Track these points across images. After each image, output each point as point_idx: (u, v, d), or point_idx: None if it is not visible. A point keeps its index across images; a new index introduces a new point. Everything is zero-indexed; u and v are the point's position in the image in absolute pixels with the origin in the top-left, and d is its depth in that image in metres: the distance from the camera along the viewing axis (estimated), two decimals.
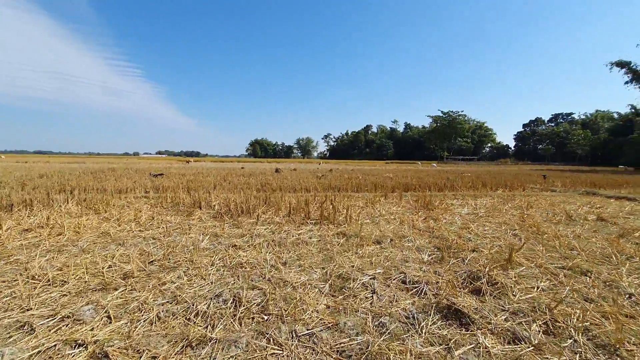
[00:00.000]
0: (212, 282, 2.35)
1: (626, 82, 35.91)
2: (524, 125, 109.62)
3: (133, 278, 2.42)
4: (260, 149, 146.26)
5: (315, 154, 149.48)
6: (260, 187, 8.15)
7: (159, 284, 2.31)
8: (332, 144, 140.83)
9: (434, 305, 2.07)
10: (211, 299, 2.09)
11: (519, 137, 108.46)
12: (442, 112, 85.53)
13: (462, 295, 2.19)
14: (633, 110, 70.51)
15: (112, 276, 2.43)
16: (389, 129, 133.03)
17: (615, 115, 79.83)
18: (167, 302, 2.06)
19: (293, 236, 3.78)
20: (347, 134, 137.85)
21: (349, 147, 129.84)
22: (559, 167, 37.51)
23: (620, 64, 34.11)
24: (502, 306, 2.07)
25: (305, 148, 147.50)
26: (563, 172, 20.75)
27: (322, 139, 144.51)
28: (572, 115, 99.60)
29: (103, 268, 2.57)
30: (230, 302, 2.04)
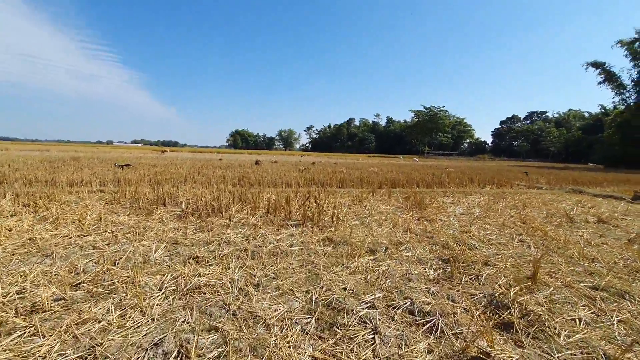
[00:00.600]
0: (153, 320, 1.70)
1: (599, 83, 37.16)
2: (501, 122, 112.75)
3: (43, 313, 1.74)
4: (241, 140, 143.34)
5: (297, 146, 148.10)
6: (237, 181, 7.44)
7: (76, 323, 1.64)
8: (315, 136, 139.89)
9: (459, 353, 1.53)
10: (146, 350, 1.45)
11: (496, 133, 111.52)
12: (424, 106, 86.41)
13: (490, 332, 1.66)
14: (603, 110, 73.89)
15: (13, 310, 1.74)
16: (371, 122, 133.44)
17: (586, 115, 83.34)
18: (78, 357, 1.40)
19: (270, 243, 3.16)
20: (329, 126, 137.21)
21: (331, 140, 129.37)
22: (535, 164, 38.56)
23: (595, 65, 35.19)
24: (549, 354, 1.55)
25: (287, 140, 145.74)
26: (541, 169, 21.07)
27: (305, 131, 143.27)
28: (546, 114, 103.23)
29: (5, 296, 1.87)
30: (173, 356, 1.41)
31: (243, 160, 18.31)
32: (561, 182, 11.06)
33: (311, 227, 3.85)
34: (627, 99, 34.81)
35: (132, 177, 7.15)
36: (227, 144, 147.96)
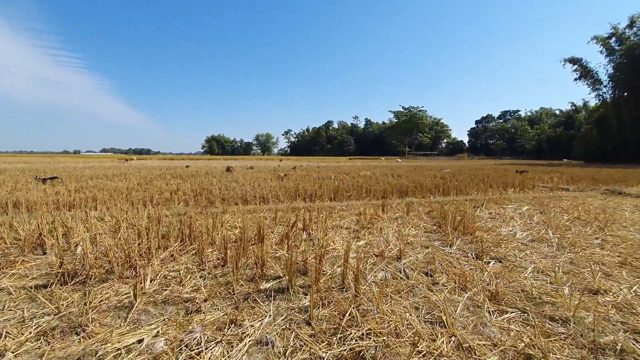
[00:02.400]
0: None
1: (576, 79, 37.49)
2: (477, 122, 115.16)
3: None
4: (217, 146, 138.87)
5: (275, 150, 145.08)
6: (194, 196, 5.40)
7: None
8: (293, 140, 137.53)
9: None
10: None
11: (472, 133, 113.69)
12: (403, 107, 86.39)
13: None
14: (573, 107, 76.45)
15: None
16: (350, 125, 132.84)
17: (557, 112, 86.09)
18: None
19: None
20: (308, 130, 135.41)
21: (310, 144, 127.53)
22: (516, 162, 38.30)
23: (572, 61, 35.40)
24: None
25: (265, 145, 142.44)
26: (532, 167, 20.09)
27: (283, 135, 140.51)
28: (519, 112, 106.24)
29: None
30: None
31: (214, 167, 16.08)
32: (578, 181, 9.68)
33: (303, 294, 1.94)
34: (603, 95, 35.20)
35: (34, 197, 4.94)
36: (203, 151, 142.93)
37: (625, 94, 32.55)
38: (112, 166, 17.41)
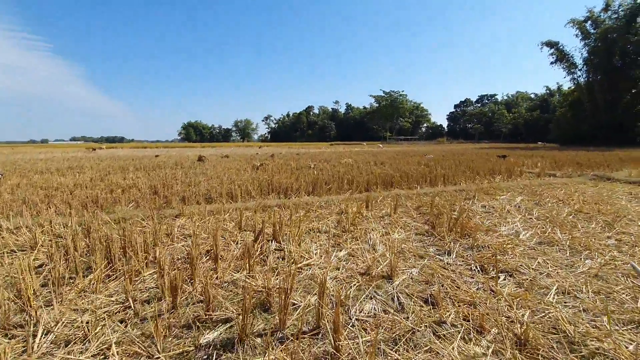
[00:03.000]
0: None
1: (552, 62, 37.90)
2: (455, 106, 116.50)
3: None
4: (195, 133, 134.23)
5: (255, 137, 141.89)
6: (149, 195, 4.65)
7: None
8: (273, 126, 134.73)
9: None
10: None
11: (451, 117, 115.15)
12: (383, 91, 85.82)
13: None
14: (548, 91, 78.36)
15: None
16: (330, 110, 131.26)
17: (533, 96, 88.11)
18: None
19: None
20: (288, 115, 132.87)
21: (290, 129, 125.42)
22: (497, 145, 38.86)
23: (549, 44, 35.64)
24: None
25: (244, 131, 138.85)
26: (513, 151, 20.17)
27: (263, 121, 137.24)
28: (496, 96, 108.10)
29: None
30: None
31: (186, 155, 15.07)
32: (563, 166, 9.51)
33: (262, 350, 1.35)
34: (578, 78, 35.84)
35: None
36: (180, 138, 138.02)
37: (599, 77, 33.20)
38: (74, 157, 16.04)
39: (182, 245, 2.72)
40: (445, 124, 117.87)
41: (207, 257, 2.46)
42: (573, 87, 37.96)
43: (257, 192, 4.95)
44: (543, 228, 3.30)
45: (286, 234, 2.95)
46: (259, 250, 2.59)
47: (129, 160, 12.09)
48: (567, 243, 2.84)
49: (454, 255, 2.56)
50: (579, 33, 33.93)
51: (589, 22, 32.90)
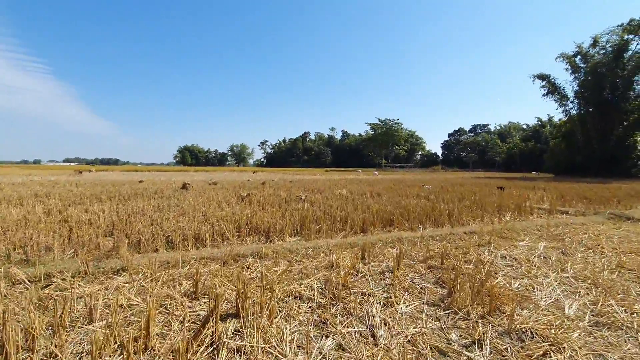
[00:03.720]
0: None
1: (544, 95, 38.64)
2: (449, 135, 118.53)
3: None
4: (191, 157, 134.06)
5: (251, 161, 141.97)
6: (103, 235, 3.86)
7: None
8: (269, 151, 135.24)
9: None
10: None
11: (445, 145, 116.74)
12: (379, 119, 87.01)
13: None
14: (539, 122, 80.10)
15: None
16: (326, 136, 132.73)
17: (525, 127, 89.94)
18: None
19: None
20: (284, 141, 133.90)
21: (286, 155, 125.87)
22: (493, 174, 38.69)
23: (541, 77, 36.47)
24: None
25: (240, 155, 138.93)
26: (509, 181, 19.70)
27: (259, 145, 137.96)
28: (488, 126, 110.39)
29: None
30: None
31: (172, 182, 14.26)
32: (570, 200, 8.90)
33: None
34: (570, 110, 36.40)
35: None
36: (175, 161, 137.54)
37: (591, 109, 33.73)
38: (54, 180, 15.15)
39: (102, 327, 1.92)
40: (439, 152, 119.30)
41: (135, 346, 1.66)
42: (565, 119, 38.49)
43: (234, 233, 4.17)
44: (589, 295, 2.56)
45: (253, 305, 2.17)
46: (208, 337, 1.81)
47: (109, 186, 11.26)
48: (634, 325, 2.10)
49: (488, 350, 1.79)
50: (569, 67, 34.85)
51: (579, 56, 33.87)
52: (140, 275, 2.70)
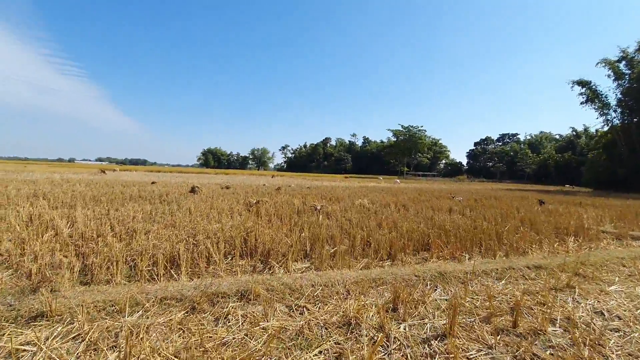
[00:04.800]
0: None
1: (582, 103, 35.90)
2: (475, 144, 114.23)
3: None
4: (213, 159, 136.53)
5: (271, 165, 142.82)
6: (64, 253, 3.05)
7: None
8: (290, 156, 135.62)
9: None
10: None
11: (471, 154, 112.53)
12: (402, 126, 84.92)
13: None
14: (574, 132, 75.47)
15: None
16: (347, 142, 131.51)
17: (557, 137, 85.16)
18: None
19: None
20: (305, 146, 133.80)
21: (306, 160, 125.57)
22: (526, 187, 36.30)
23: (581, 83, 33.87)
24: None
25: (260, 159, 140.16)
26: (547, 195, 17.89)
27: (280, 150, 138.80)
28: (517, 136, 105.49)
29: None
30: None
31: (184, 184, 13.69)
32: (631, 221, 7.43)
33: None
34: (612, 120, 33.56)
35: None
36: (199, 163, 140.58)
37: (635, 119, 30.91)
38: (73, 178, 14.98)
39: None
40: (464, 161, 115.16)
41: None
42: (607, 129, 35.53)
43: (224, 255, 3.25)
44: None
45: None
46: None
47: (118, 187, 10.76)
48: None
49: None
50: (612, 73, 32.15)
51: (623, 62, 31.18)
52: (60, 328, 1.81)
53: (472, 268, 3.17)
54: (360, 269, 3.14)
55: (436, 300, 2.45)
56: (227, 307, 2.16)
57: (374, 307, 2.24)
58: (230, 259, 3.26)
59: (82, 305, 2.01)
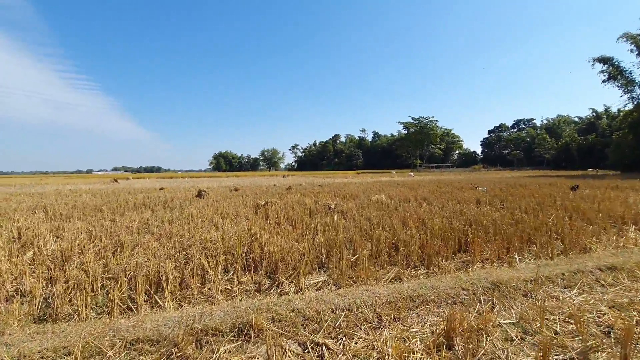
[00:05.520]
0: None
1: (604, 81, 33.98)
2: (489, 132, 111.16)
3: None
4: (225, 162, 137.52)
5: (282, 165, 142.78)
6: (32, 278, 2.56)
7: None
8: (300, 155, 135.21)
9: None
10: None
11: (485, 143, 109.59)
12: (412, 118, 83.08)
13: None
14: (595, 114, 72.20)
15: None
16: (357, 138, 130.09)
17: (577, 119, 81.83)
18: None
19: None
20: (314, 144, 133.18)
21: (317, 158, 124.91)
22: (549, 173, 34.77)
23: (603, 60, 31.95)
24: None
25: (270, 160, 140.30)
26: (574, 179, 16.74)
27: (290, 150, 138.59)
28: (533, 121, 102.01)
29: None
30: None
31: (191, 188, 13.30)
32: None
33: None
34: (639, 96, 31.57)
35: None
36: (211, 167, 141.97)
37: None
38: (83, 189, 14.84)
39: None
40: (479, 150, 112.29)
41: None
42: (632, 107, 33.52)
43: (223, 269, 2.69)
44: None
45: None
46: None
47: (124, 195, 10.44)
48: None
49: None
50: (634, 48, 30.23)
51: None
52: None
53: (535, 274, 2.50)
54: (390, 282, 2.52)
55: (501, 325, 1.81)
56: (218, 351, 1.59)
57: (419, 342, 1.63)
58: (230, 274, 2.70)
59: (20, 359, 1.47)
